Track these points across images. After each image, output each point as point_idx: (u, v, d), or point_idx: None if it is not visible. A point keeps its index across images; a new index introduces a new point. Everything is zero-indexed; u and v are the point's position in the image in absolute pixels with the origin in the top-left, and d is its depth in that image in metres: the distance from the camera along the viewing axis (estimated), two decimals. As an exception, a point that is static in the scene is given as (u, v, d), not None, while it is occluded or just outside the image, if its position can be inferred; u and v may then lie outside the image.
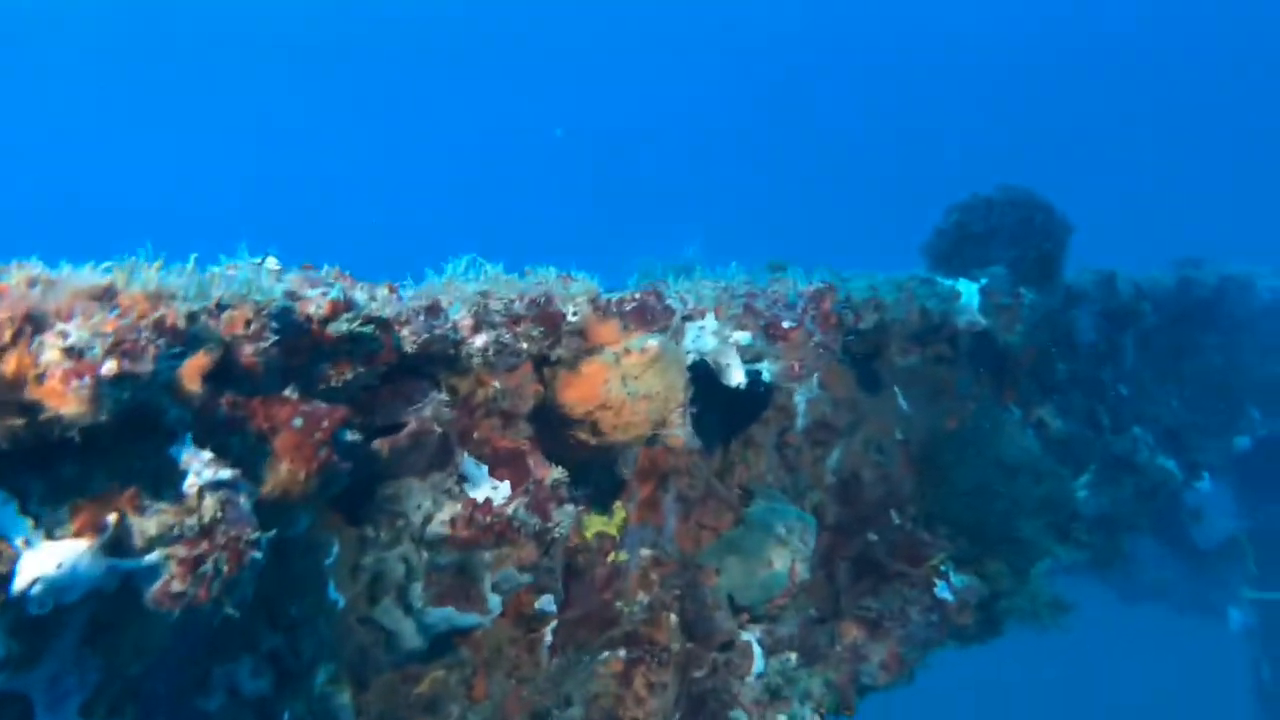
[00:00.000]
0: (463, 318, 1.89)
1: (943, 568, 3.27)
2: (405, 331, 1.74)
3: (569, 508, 2.02)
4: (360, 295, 1.69)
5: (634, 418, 2.15)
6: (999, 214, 4.10)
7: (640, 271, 3.97)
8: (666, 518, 2.67)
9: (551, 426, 2.19)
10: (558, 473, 2.03)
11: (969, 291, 3.90)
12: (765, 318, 2.51)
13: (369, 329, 1.64)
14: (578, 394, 2.14)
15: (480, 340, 1.90)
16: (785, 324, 2.45)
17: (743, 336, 2.49)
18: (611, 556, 2.43)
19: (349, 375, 1.64)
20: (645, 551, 2.56)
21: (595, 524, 2.42)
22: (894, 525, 3.38)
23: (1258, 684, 10.62)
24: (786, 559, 2.63)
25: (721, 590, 2.63)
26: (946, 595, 3.17)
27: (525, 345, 2.01)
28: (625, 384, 2.15)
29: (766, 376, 2.50)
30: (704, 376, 2.52)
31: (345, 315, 1.61)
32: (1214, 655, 10.94)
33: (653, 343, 2.18)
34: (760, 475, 2.86)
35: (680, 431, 2.22)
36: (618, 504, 2.52)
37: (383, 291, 1.77)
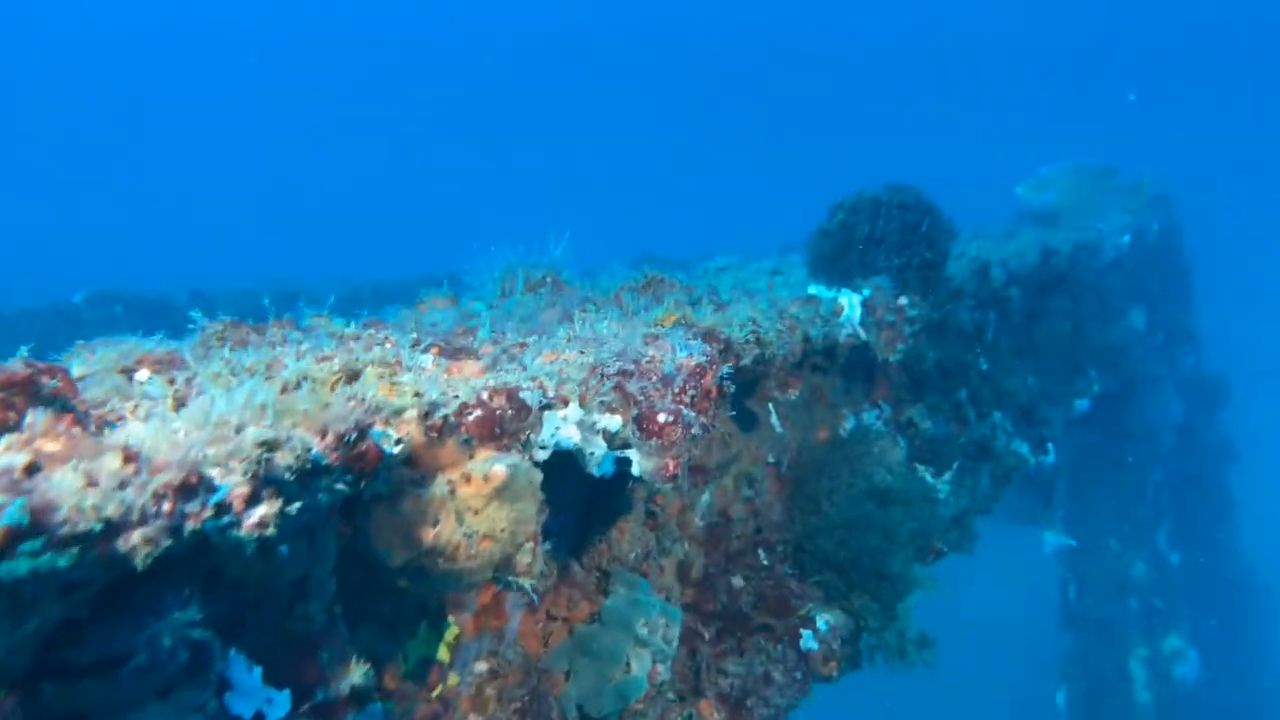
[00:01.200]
0: (236, 486, 1.39)
1: (810, 613, 3.06)
2: (136, 538, 1.24)
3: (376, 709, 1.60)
4: (62, 486, 1.17)
5: (471, 562, 1.72)
6: (886, 217, 3.79)
7: (503, 271, 3.48)
8: (510, 615, 2.29)
9: (363, 567, 1.75)
10: (358, 675, 1.59)
11: (850, 304, 3.61)
12: (639, 404, 2.10)
13: (66, 558, 1.14)
14: (398, 538, 1.69)
15: (259, 514, 1.41)
16: (660, 417, 2.05)
17: (612, 423, 2.08)
18: (437, 690, 2.04)
19: (31, 626, 1.14)
20: (481, 665, 2.19)
21: (415, 652, 2.01)
22: (762, 566, 3.14)
23: (1064, 603, 11.58)
24: (646, 662, 2.31)
25: (570, 700, 2.30)
26: (812, 645, 2.97)
27: (327, 499, 1.54)
28: (462, 521, 1.72)
29: (637, 471, 2.12)
30: (562, 459, 2.12)
31: (26, 546, 1.10)
32: (1031, 578, 11.79)
33: (499, 468, 1.74)
34: (623, 556, 2.51)
35: (533, 567, 1.82)
36: (450, 619, 2.12)
37: (111, 464, 1.26)
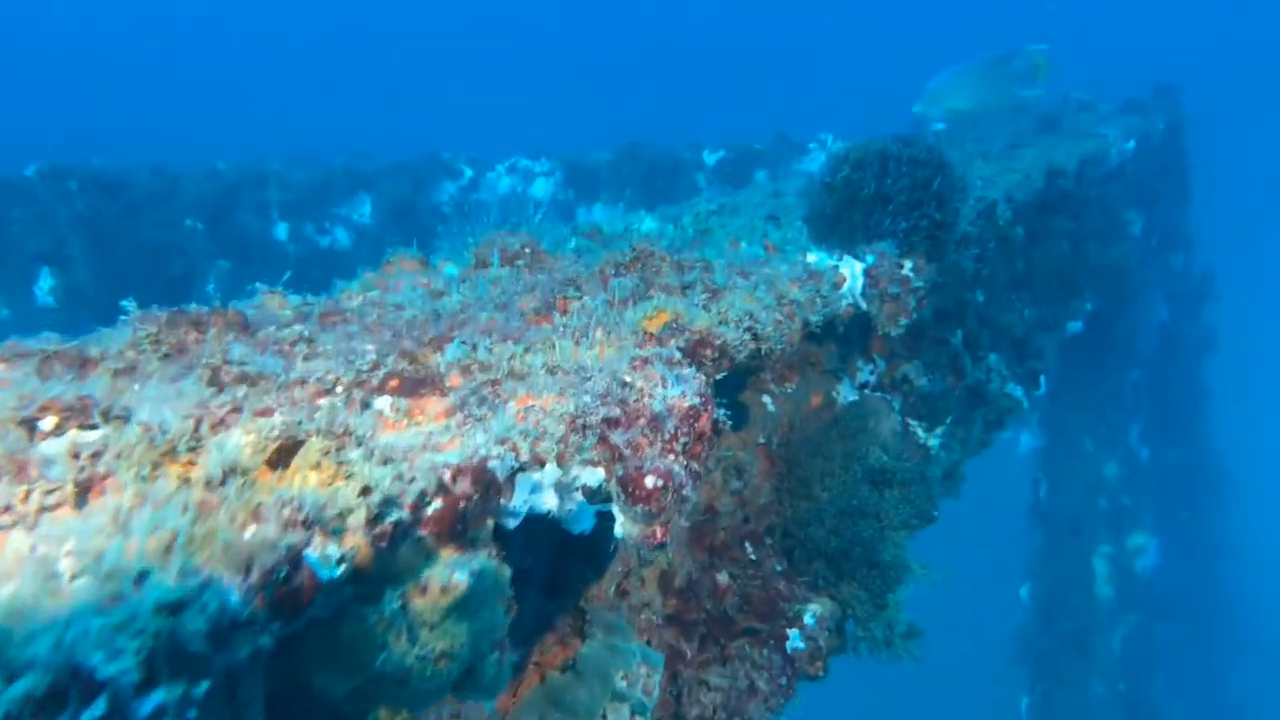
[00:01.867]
0: (125, 674, 1.19)
1: (797, 613, 2.98)
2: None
3: None
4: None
5: (427, 684, 1.56)
6: (895, 175, 3.50)
7: (478, 240, 3.18)
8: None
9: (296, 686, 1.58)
10: None
11: (853, 273, 3.38)
12: (624, 459, 1.90)
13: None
14: (339, 667, 1.50)
15: (155, 703, 1.22)
16: (648, 481, 1.85)
17: (593, 478, 1.89)
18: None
19: None
20: (453, 722, 2.07)
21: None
22: (749, 562, 3.03)
23: (1035, 501, 11.83)
24: (624, 716, 2.21)
25: (547, 753, 2.21)
26: (799, 644, 2.90)
27: (250, 651, 1.34)
28: (416, 640, 1.53)
29: (619, 533, 1.94)
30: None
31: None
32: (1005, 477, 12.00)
33: (461, 578, 1.55)
34: (602, 591, 2.37)
35: (497, 681, 1.66)
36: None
37: None
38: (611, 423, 1.90)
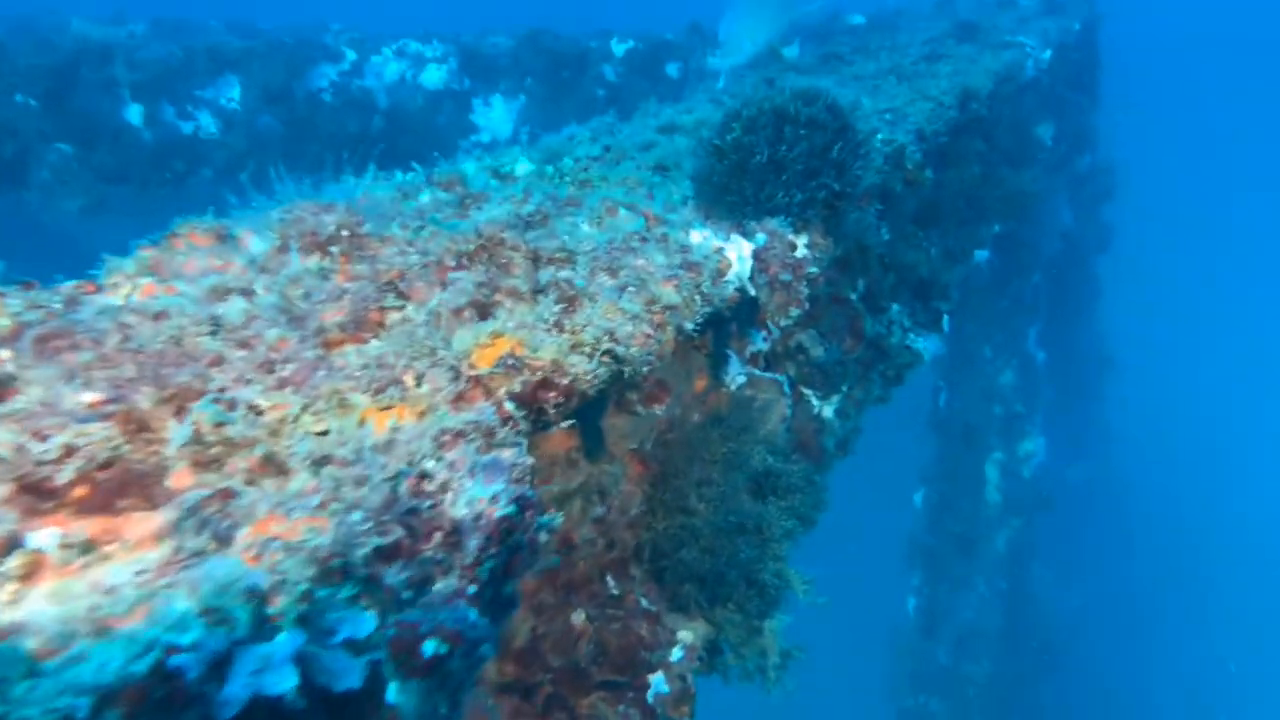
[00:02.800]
0: None
1: (661, 658, 2.75)
2: None
3: None
4: None
5: None
6: (791, 140, 3.09)
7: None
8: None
9: None
10: None
11: (740, 255, 3.01)
12: (399, 606, 1.54)
13: None
14: None
15: None
16: (426, 648, 1.48)
17: (361, 625, 1.51)
18: None
19: None
20: None
21: None
22: (610, 597, 2.76)
23: (934, 409, 12.03)
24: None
25: None
26: (663, 688, 2.68)
27: None
28: None
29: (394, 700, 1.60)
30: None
31: None
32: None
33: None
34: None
35: None
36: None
37: None
38: (388, 555, 1.52)
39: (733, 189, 3.17)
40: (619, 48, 10.29)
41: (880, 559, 11.82)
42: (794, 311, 3.07)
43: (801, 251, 3.19)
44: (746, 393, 3.42)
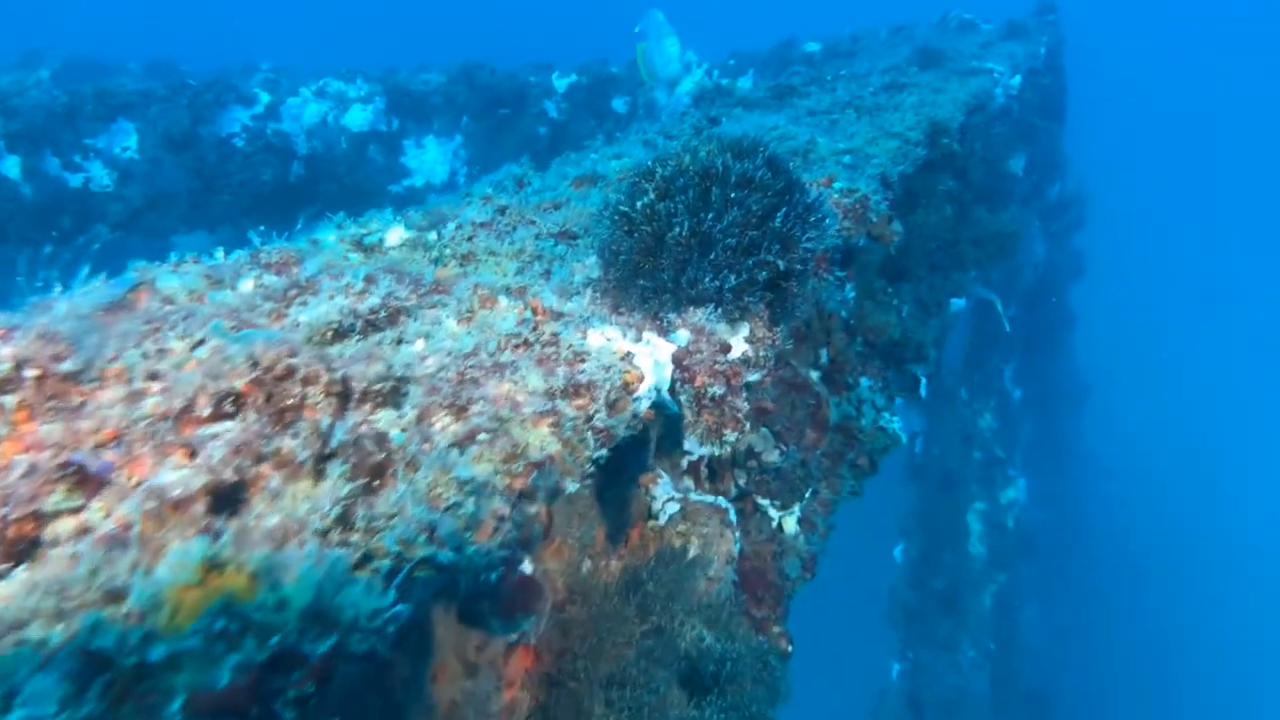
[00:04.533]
0: None
1: None
2: None
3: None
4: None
5: None
6: (722, 203, 2.34)
7: None
8: None
9: None
10: None
11: (657, 363, 2.24)
12: None
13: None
14: None
15: None
16: None
17: None
18: None
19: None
20: None
21: None
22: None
23: (910, 457, 11.34)
24: None
25: None
26: None
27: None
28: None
29: None
30: None
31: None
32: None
33: None
34: None
35: None
36: None
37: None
38: None
39: (646, 271, 2.41)
40: (560, 82, 9.60)
41: (861, 618, 11.04)
42: (729, 435, 2.30)
43: (738, 352, 2.42)
44: (679, 529, 2.63)
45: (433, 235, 3.03)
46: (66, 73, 9.48)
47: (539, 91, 9.60)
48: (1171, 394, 26.51)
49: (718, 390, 2.25)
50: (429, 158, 9.30)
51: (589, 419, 1.92)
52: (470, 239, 2.93)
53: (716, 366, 2.28)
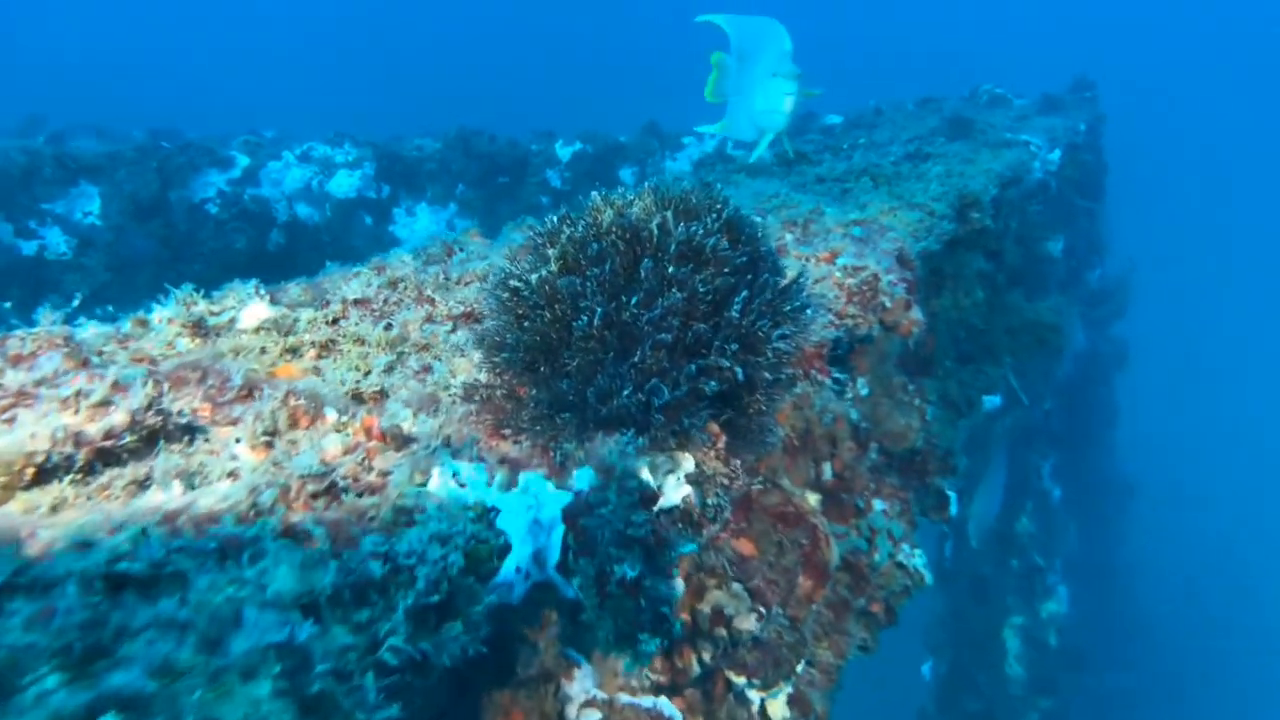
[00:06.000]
0: None
1: None
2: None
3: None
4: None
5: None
6: (653, 281, 1.59)
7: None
8: None
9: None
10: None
11: (535, 521, 1.45)
12: None
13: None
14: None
15: None
16: None
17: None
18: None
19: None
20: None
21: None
22: None
23: (939, 562, 10.32)
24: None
25: None
26: None
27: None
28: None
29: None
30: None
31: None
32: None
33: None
34: None
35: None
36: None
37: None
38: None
39: (540, 377, 1.64)
40: (564, 150, 9.05)
41: (883, 748, 9.88)
42: (646, 646, 1.50)
43: (674, 498, 1.63)
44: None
45: (306, 314, 2.30)
46: (67, 138, 9.10)
47: (541, 160, 9.05)
48: (1225, 492, 25.06)
49: (628, 571, 1.45)
50: (420, 226, 8.71)
51: (374, 645, 1.13)
52: (335, 321, 2.19)
53: (628, 533, 1.48)
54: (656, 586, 1.49)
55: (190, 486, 1.42)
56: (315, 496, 1.38)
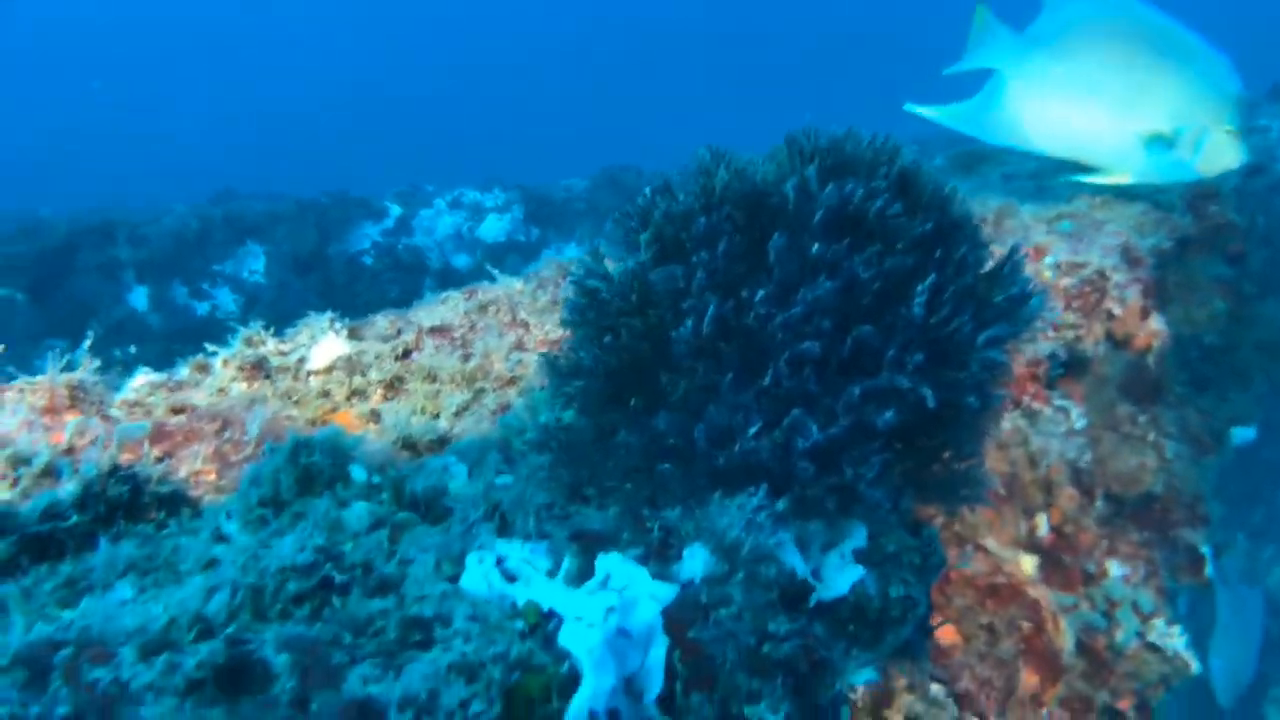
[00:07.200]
0: None
1: None
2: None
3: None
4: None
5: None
6: (795, 257, 1.06)
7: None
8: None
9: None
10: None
11: (627, 656, 0.94)
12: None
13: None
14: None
15: None
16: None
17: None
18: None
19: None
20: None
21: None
22: None
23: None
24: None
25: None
26: None
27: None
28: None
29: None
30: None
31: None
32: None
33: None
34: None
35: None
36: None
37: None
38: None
39: (627, 412, 1.15)
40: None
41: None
42: None
43: (839, 588, 1.08)
44: None
45: (378, 348, 1.92)
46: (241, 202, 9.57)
47: (692, 193, 8.67)
48: None
49: (767, 717, 0.91)
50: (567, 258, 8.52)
51: None
52: (406, 354, 1.79)
53: (765, 647, 0.95)
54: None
55: (145, 588, 1.02)
56: (299, 600, 0.93)
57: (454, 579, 0.96)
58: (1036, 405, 1.98)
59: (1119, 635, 2.43)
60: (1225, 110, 3.10)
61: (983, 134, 3.31)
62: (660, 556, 1.04)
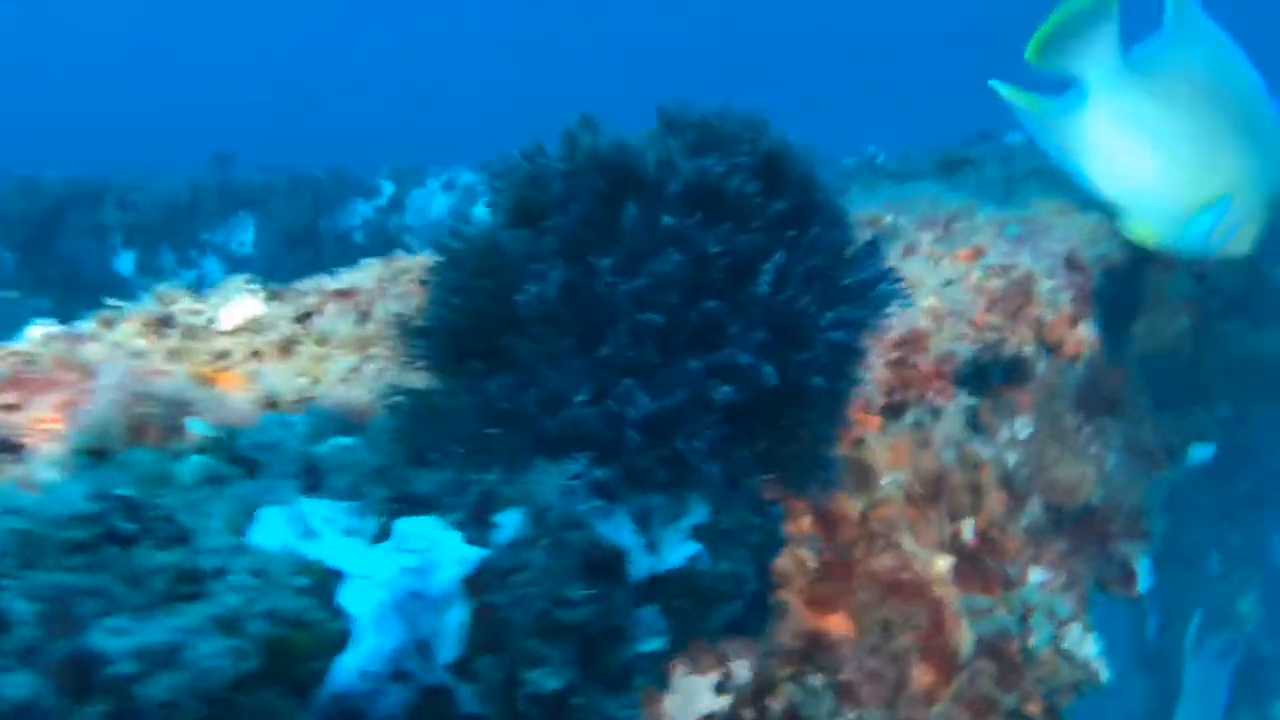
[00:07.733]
0: None
1: None
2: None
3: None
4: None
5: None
6: (646, 227, 1.05)
7: None
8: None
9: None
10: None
11: (416, 612, 0.93)
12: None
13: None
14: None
15: None
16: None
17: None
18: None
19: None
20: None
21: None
22: None
23: (1139, 643, 8.91)
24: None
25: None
26: None
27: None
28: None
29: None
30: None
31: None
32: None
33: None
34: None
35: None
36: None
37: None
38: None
39: (473, 378, 1.14)
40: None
41: None
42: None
43: (671, 560, 1.08)
44: None
45: (287, 310, 1.92)
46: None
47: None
48: None
49: (547, 682, 0.90)
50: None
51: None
52: (307, 316, 1.78)
53: (558, 611, 0.94)
54: (597, 704, 0.93)
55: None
56: (79, 549, 0.92)
57: (241, 532, 0.95)
58: (940, 402, 1.96)
59: (1032, 640, 2.42)
60: (1274, 199, 2.97)
61: (1045, 140, 3.02)
62: (479, 521, 1.03)
